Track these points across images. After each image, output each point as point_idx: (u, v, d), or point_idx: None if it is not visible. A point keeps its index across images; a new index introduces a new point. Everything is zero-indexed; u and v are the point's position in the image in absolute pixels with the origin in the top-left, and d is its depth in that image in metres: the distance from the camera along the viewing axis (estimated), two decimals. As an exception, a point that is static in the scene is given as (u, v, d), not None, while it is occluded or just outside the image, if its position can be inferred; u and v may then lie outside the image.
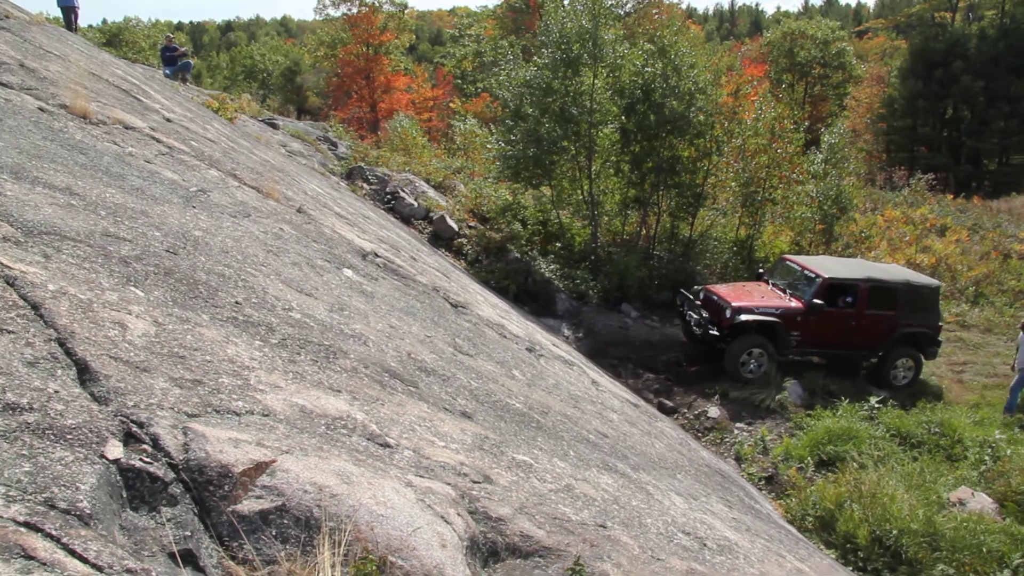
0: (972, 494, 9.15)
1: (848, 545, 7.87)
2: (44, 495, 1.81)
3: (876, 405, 11.52)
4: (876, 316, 13.20)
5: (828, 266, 13.61)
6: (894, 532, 7.63)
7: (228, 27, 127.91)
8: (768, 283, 14.01)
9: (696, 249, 18.23)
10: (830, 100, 48.35)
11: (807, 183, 18.99)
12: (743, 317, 12.64)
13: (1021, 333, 12.66)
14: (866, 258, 19.83)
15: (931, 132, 47.69)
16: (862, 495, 8.23)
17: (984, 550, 7.46)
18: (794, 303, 13.00)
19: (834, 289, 13.10)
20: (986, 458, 10.28)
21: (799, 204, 18.94)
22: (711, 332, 12.79)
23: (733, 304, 12.77)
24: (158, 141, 6.50)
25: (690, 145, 17.16)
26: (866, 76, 49.26)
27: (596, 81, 16.03)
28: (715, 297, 13.32)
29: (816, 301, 12.77)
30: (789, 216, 19.45)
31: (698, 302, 13.62)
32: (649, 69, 16.47)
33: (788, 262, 14.10)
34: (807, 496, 8.87)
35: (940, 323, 14.15)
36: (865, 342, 13.35)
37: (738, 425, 11.59)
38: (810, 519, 8.51)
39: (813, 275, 13.14)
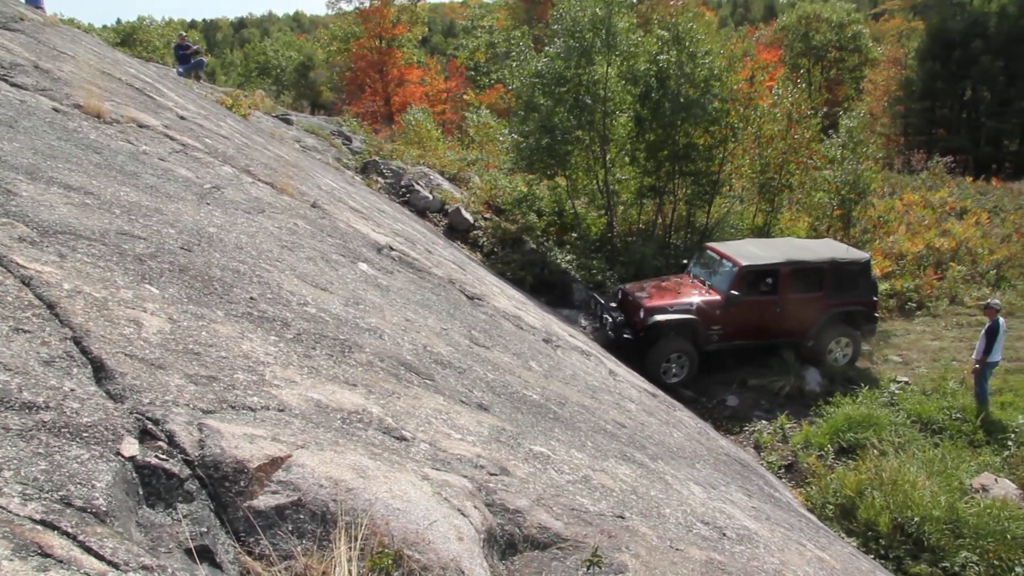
0: (995, 480, 9.07)
1: (869, 533, 7.83)
2: (60, 493, 1.82)
3: (896, 391, 11.42)
4: (803, 299, 12.48)
5: (748, 252, 12.82)
6: (916, 519, 7.58)
7: (241, 24, 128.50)
8: (690, 276, 13.40)
9: (713, 237, 18.11)
10: (846, 84, 47.72)
11: (824, 168, 18.82)
12: (657, 318, 12.10)
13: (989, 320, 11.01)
14: (884, 243, 19.61)
15: (950, 114, 46.95)
16: (883, 482, 8.17)
17: (1008, 537, 7.39)
18: (713, 295, 12.39)
19: (757, 275, 12.44)
20: (1009, 443, 10.19)
21: (816, 190, 18.75)
22: (626, 336, 12.31)
23: (646, 305, 12.25)
24: (172, 139, 6.53)
25: (705, 132, 17.02)
26: (883, 58, 48.55)
27: (610, 70, 15.93)
28: (631, 297, 12.75)
29: (733, 292, 12.13)
30: (807, 202, 19.28)
31: (613, 304, 13.10)
32: (664, 56, 16.34)
33: (709, 251, 13.38)
34: (827, 484, 8.83)
35: (876, 297, 13.33)
36: (794, 328, 12.60)
37: (757, 413, 11.55)
38: (830, 507, 8.47)
39: (730, 264, 12.48)
